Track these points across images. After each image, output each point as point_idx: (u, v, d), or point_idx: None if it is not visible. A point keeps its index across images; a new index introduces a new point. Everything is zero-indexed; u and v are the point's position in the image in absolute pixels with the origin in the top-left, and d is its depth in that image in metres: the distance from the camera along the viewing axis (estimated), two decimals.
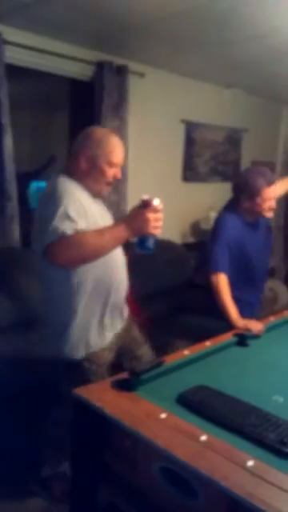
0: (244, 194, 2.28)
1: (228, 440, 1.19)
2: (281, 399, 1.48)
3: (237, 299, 2.19)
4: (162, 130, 3.78)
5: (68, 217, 1.55)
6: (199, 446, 1.15)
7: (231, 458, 1.10)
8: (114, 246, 1.63)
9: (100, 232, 1.58)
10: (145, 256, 1.68)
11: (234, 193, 2.37)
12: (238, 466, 1.07)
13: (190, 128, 4.00)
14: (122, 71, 3.21)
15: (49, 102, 4.93)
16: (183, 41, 2.85)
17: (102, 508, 1.41)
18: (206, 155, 4.21)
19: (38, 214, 1.68)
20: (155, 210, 1.54)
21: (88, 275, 1.69)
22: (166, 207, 3.40)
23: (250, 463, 1.08)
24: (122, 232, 1.55)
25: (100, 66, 3.09)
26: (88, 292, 1.71)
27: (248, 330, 2.03)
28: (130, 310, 2.07)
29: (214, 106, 4.13)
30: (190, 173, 4.11)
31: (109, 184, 1.79)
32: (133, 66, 3.28)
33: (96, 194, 1.80)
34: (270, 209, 2.31)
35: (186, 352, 1.74)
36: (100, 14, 2.42)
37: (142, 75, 3.39)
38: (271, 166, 4.90)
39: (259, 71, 3.55)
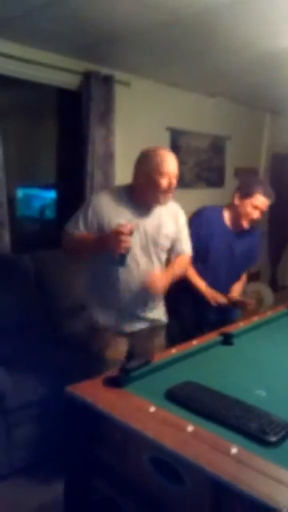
0: (239, 191, 2.42)
1: (213, 430, 1.26)
2: (263, 393, 1.56)
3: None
4: (147, 137, 3.85)
5: (77, 220, 2.03)
6: (186, 436, 1.21)
7: (216, 446, 1.17)
8: (94, 253, 2.08)
9: (85, 240, 2.03)
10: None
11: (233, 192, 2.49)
12: (223, 453, 1.14)
13: (175, 136, 4.10)
14: (108, 81, 3.29)
15: (36, 112, 4.98)
16: (168, 51, 2.95)
17: (95, 499, 1.46)
18: (190, 162, 4.31)
19: None
20: (119, 232, 1.85)
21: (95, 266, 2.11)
22: None
23: (234, 450, 1.15)
24: (99, 245, 1.98)
25: (87, 75, 3.17)
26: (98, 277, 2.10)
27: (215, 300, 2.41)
28: None
29: (198, 114, 4.24)
30: None
31: (165, 192, 2.01)
32: (119, 75, 3.37)
33: (152, 208, 2.08)
34: (251, 221, 2.41)
35: (174, 351, 1.81)
36: (87, 26, 2.50)
37: (127, 84, 3.47)
38: (254, 172, 5.03)
39: (242, 80, 3.66)
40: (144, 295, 2.08)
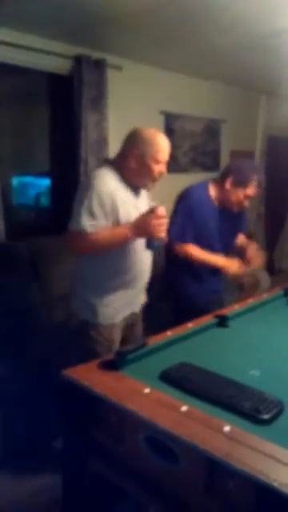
0: (233, 177, 2.35)
1: (207, 410, 1.28)
2: (257, 373, 1.57)
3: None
4: (141, 122, 3.78)
5: (92, 213, 1.83)
6: (180, 415, 1.23)
7: (209, 424, 1.19)
8: (121, 245, 1.91)
9: (111, 233, 1.87)
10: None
11: (223, 172, 2.44)
12: (216, 431, 1.16)
13: (169, 119, 4.08)
14: (100, 65, 3.25)
15: (29, 99, 4.94)
16: (160, 34, 2.92)
17: (92, 481, 1.49)
18: (185, 146, 4.29)
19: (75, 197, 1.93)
20: (159, 217, 1.80)
21: (110, 263, 1.96)
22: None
23: (227, 428, 1.17)
24: (128, 234, 1.85)
25: (78, 60, 3.14)
26: (105, 271, 1.98)
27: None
28: None
29: (192, 98, 4.20)
30: (170, 164, 4.17)
31: (154, 180, 1.99)
32: (111, 59, 3.34)
33: (140, 189, 2.03)
34: (242, 206, 2.41)
35: (169, 333, 1.83)
36: (76, 8, 2.46)
37: (120, 68, 3.44)
38: (250, 155, 5.00)
39: (236, 62, 3.63)
40: (144, 282, 2.08)
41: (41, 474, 2.20)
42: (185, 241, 2.34)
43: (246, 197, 2.37)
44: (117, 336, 2.06)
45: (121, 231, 1.87)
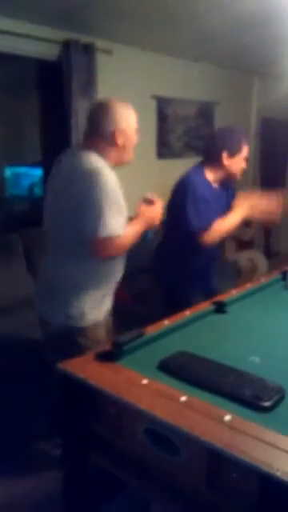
0: (227, 151, 2.27)
1: (207, 399, 1.25)
2: (257, 359, 1.55)
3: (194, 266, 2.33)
4: (133, 107, 3.77)
5: (119, 213, 1.72)
6: (179, 406, 1.21)
7: (209, 414, 1.16)
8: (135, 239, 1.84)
9: (132, 231, 1.80)
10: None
11: (212, 152, 2.32)
12: (216, 421, 1.13)
13: (162, 104, 4.01)
14: (89, 49, 3.19)
15: (18, 86, 4.87)
16: (150, 15, 2.85)
17: (93, 474, 1.47)
18: (179, 131, 4.24)
19: (80, 194, 1.70)
20: (157, 206, 1.84)
21: (105, 266, 1.85)
22: (142, 185, 3.51)
23: (228, 417, 1.14)
24: (141, 228, 1.84)
25: (66, 45, 3.07)
26: (100, 275, 1.86)
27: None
28: None
29: (184, 81, 4.14)
30: (164, 149, 4.14)
31: (132, 154, 1.91)
32: (100, 43, 3.27)
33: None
34: (243, 171, 2.38)
35: (166, 322, 1.80)
36: None
37: (110, 52, 3.37)
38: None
39: (227, 43, 3.56)
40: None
41: (38, 470, 2.18)
42: (207, 228, 2.25)
43: (245, 159, 2.35)
44: (102, 334, 1.93)
45: (137, 227, 1.82)
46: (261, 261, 4.32)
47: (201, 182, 2.34)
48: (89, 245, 1.74)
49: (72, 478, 1.51)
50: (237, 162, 2.31)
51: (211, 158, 2.33)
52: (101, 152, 1.80)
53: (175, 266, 2.40)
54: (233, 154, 2.29)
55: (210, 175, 2.36)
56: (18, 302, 2.69)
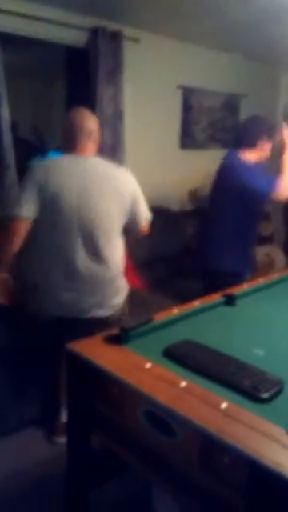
0: (267, 135, 2.50)
1: (207, 387, 1.29)
2: (261, 352, 1.57)
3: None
4: (158, 96, 3.78)
5: None
6: (179, 391, 1.25)
7: (207, 400, 1.20)
8: None
9: None
10: None
11: (251, 140, 2.51)
12: (212, 407, 1.17)
13: (187, 94, 4.00)
14: (116, 37, 3.20)
15: (47, 71, 4.91)
16: (178, 4, 2.83)
17: (97, 452, 1.54)
18: (203, 122, 4.22)
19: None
20: None
21: None
22: (163, 175, 3.56)
23: (224, 405, 1.18)
24: None
25: (94, 32, 3.09)
26: None
27: None
28: (129, 276, 2.23)
29: (211, 71, 4.10)
30: (187, 140, 4.13)
31: None
32: (127, 31, 3.27)
33: None
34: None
35: (175, 310, 1.84)
36: None
37: (137, 41, 3.37)
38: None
39: (256, 34, 3.51)
40: None
41: (45, 444, 2.28)
42: (276, 183, 2.39)
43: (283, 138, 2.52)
44: None
45: None
46: (278, 256, 4.30)
47: (245, 159, 2.52)
48: None
49: (75, 451, 1.58)
50: (274, 145, 2.54)
51: (249, 144, 2.52)
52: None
53: (233, 249, 2.58)
54: (270, 137, 2.52)
55: (247, 158, 2.53)
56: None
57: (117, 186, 2.06)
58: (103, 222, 2.02)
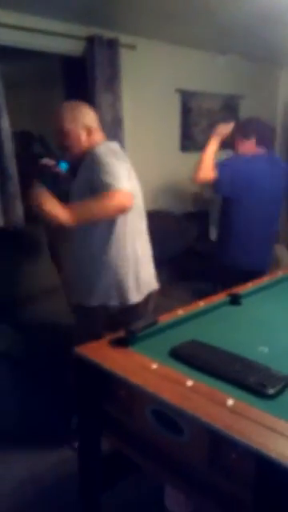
0: (255, 138, 2.81)
1: (213, 385, 1.31)
2: (266, 350, 1.59)
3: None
4: (157, 101, 3.81)
5: None
6: (186, 390, 1.27)
7: (213, 398, 1.22)
8: None
9: None
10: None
11: (269, 136, 2.90)
12: (219, 404, 1.19)
13: (186, 97, 4.03)
14: (112, 44, 3.23)
15: (45, 81, 4.96)
16: (173, 9, 2.86)
17: (109, 454, 1.56)
18: (203, 124, 4.24)
19: None
20: None
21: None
22: (165, 178, 3.60)
23: (230, 402, 1.20)
24: None
25: (90, 40, 3.12)
26: None
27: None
28: None
29: (209, 74, 4.13)
30: (187, 142, 4.16)
31: None
32: (124, 38, 3.31)
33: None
34: None
35: (180, 311, 1.85)
36: None
37: (133, 47, 3.41)
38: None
39: (252, 35, 3.53)
40: None
41: (58, 448, 2.29)
42: None
43: None
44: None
45: None
46: (284, 255, 4.29)
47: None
48: None
49: (86, 453, 1.60)
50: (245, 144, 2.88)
51: (267, 142, 2.85)
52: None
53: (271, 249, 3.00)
54: (244, 136, 2.88)
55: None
56: (43, 290, 2.79)
57: None
58: None
